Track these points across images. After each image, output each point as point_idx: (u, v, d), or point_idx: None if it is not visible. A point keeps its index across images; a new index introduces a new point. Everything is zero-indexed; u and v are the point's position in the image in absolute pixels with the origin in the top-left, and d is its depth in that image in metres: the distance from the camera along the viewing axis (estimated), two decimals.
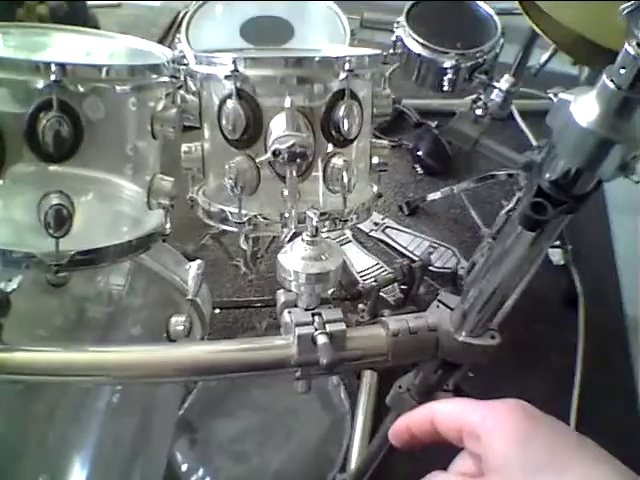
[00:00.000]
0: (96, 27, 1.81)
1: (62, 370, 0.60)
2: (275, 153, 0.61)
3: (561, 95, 0.40)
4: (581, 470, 0.31)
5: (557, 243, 1.56)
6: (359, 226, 1.67)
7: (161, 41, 1.98)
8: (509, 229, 0.53)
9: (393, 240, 1.66)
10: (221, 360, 0.61)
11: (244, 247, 1.28)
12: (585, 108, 0.37)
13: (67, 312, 0.95)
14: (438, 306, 0.65)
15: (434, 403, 0.40)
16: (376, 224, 1.69)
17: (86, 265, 0.67)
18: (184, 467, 1.22)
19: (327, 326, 0.59)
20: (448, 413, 0.39)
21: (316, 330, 0.58)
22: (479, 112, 1.21)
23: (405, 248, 1.65)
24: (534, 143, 1.90)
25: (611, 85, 0.35)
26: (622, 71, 0.34)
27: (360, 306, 1.38)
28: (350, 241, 1.64)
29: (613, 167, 0.38)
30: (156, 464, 1.07)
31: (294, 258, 0.60)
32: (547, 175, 0.43)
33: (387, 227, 1.70)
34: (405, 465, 1.19)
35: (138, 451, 1.01)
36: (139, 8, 2.39)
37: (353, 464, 1.22)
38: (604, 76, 0.35)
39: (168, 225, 0.75)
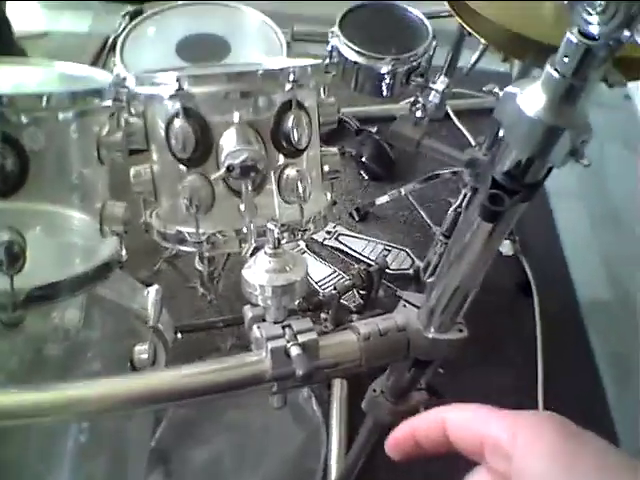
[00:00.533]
0: (24, 57, 1.75)
1: (21, 412, 0.57)
2: (229, 168, 0.61)
3: (507, 89, 0.41)
4: None
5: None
6: (312, 236, 1.68)
7: (93, 64, 1.93)
8: (465, 224, 0.54)
9: (347, 247, 1.67)
10: (194, 383, 0.59)
11: (200, 268, 1.27)
12: (532, 99, 0.39)
13: (22, 353, 0.91)
14: (405, 306, 0.66)
15: (445, 408, 0.35)
16: (329, 232, 1.70)
17: (43, 301, 0.65)
18: None
19: (299, 337, 0.58)
20: (465, 422, 0.33)
21: (288, 342, 0.58)
22: (419, 114, 1.23)
23: (360, 254, 1.66)
24: (471, 140, 1.95)
25: (555, 74, 0.36)
26: (565, 59, 0.35)
27: (322, 315, 1.38)
28: (305, 252, 1.64)
29: (563, 153, 0.39)
30: None
31: (258, 272, 0.60)
32: (500, 167, 0.45)
33: (340, 234, 1.71)
34: (385, 473, 1.20)
35: None
36: (66, 36, 2.33)
37: (333, 475, 1.22)
38: (547, 66, 0.37)
39: (124, 252, 0.73)
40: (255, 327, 0.62)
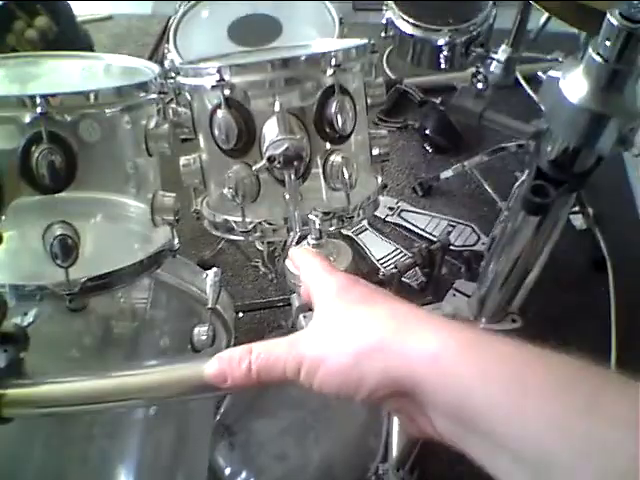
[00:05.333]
0: (89, 44, 1.80)
1: (90, 399, 0.59)
2: (270, 159, 0.60)
3: (549, 73, 0.38)
4: (389, 304, 0.37)
5: (576, 209, 1.52)
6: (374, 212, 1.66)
7: (156, 49, 1.97)
8: (514, 211, 0.51)
9: (410, 223, 1.64)
10: None
11: (260, 248, 1.28)
12: (575, 84, 0.36)
13: (94, 331, 0.96)
14: (455, 295, 0.64)
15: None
16: (391, 209, 1.67)
17: (100, 290, 0.67)
18: (227, 471, 1.23)
19: None
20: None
21: None
22: (480, 86, 1.18)
23: (423, 230, 1.63)
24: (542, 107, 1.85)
25: (598, 59, 0.33)
26: (607, 43, 0.32)
27: None
28: (366, 229, 1.62)
29: (611, 142, 0.36)
30: (198, 469, 1.08)
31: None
32: (545, 155, 0.42)
33: (402, 210, 1.68)
34: (445, 450, 1.18)
35: (179, 459, 1.02)
36: (130, 18, 2.38)
37: (394, 453, 1.22)
38: (590, 50, 0.34)
39: (176, 240, 0.74)
40: (301, 317, 0.62)
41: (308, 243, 0.59)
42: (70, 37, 1.68)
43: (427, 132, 1.83)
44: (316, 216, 0.57)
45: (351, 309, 0.37)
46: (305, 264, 0.45)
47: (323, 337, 0.37)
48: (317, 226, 0.57)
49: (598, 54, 0.33)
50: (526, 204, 0.43)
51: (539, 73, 1.81)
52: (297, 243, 0.67)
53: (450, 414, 0.32)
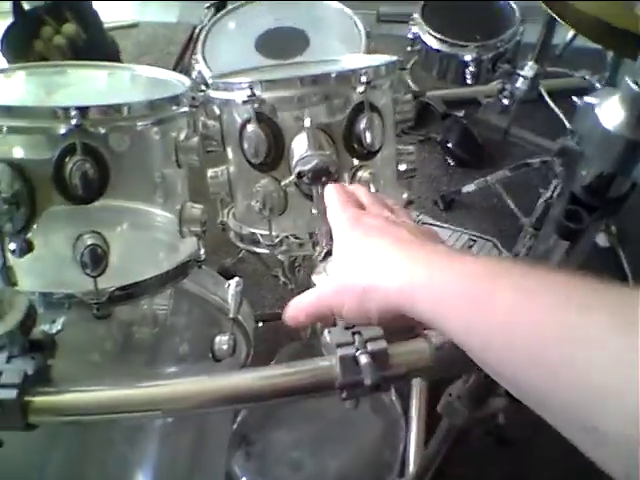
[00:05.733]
0: (116, 51, 1.82)
1: (112, 408, 0.60)
2: (299, 175, 0.61)
3: (585, 99, 0.38)
4: (380, 246, 0.43)
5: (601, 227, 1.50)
6: None
7: (181, 58, 1.99)
8: (545, 234, 0.51)
9: None
10: (266, 386, 0.60)
11: (281, 258, 1.29)
12: (610, 111, 0.36)
13: (115, 336, 0.97)
14: None
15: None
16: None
17: (126, 300, 0.68)
18: None
19: (368, 345, 0.58)
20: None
21: (357, 350, 0.58)
22: (506, 102, 1.17)
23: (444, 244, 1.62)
24: (567, 123, 1.84)
25: (635, 87, 0.33)
26: None
27: None
28: None
29: None
30: (215, 477, 1.08)
31: (328, 278, 0.60)
32: (579, 181, 0.42)
33: (424, 224, 1.68)
34: (461, 468, 1.18)
35: (196, 465, 1.02)
36: (155, 26, 2.41)
37: (411, 468, 1.21)
38: (627, 78, 0.34)
39: (202, 251, 0.75)
40: (326, 332, 0.62)
41: None
42: (98, 44, 1.70)
43: (449, 145, 1.83)
44: None
45: (353, 249, 0.44)
46: (329, 202, 0.50)
47: (337, 279, 0.46)
48: None
49: (635, 83, 0.33)
50: (560, 229, 0.43)
51: (564, 89, 1.80)
52: (323, 259, 0.67)
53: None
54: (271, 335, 1.45)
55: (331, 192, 0.51)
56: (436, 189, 1.79)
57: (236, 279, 0.89)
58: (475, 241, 1.62)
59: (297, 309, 0.51)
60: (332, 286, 0.47)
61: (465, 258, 0.38)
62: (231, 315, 0.85)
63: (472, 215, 1.73)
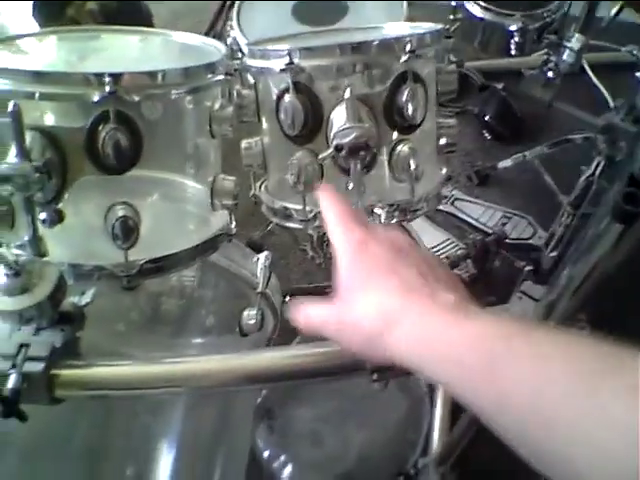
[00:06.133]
0: (149, 17, 1.79)
1: (137, 384, 0.60)
2: (338, 147, 0.58)
3: (638, 74, 0.35)
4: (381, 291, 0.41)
5: None
6: None
7: (213, 25, 1.95)
8: (598, 217, 0.48)
9: (463, 213, 1.60)
10: (294, 366, 0.59)
11: (310, 231, 1.27)
12: None
13: (142, 307, 0.97)
14: (521, 298, 0.61)
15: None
16: (444, 197, 1.63)
17: (156, 273, 0.67)
18: (265, 454, 1.24)
19: None
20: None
21: None
22: (550, 74, 1.12)
23: (477, 220, 1.58)
24: (608, 97, 1.76)
25: None
26: None
27: None
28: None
29: None
30: (239, 449, 1.09)
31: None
32: (639, 162, 0.38)
33: (456, 199, 1.64)
34: (486, 451, 1.16)
35: (220, 439, 1.03)
36: None
37: (434, 447, 1.20)
38: None
39: (233, 224, 0.73)
40: None
41: None
42: (130, 9, 1.67)
43: (486, 118, 1.77)
44: (382, 209, 0.55)
45: (358, 288, 0.42)
46: (328, 211, 0.47)
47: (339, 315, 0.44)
48: (382, 220, 0.55)
49: None
50: (616, 212, 0.40)
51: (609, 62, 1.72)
52: None
53: None
54: None
55: (330, 203, 0.48)
56: (471, 164, 1.74)
57: (265, 253, 0.87)
58: (510, 218, 1.58)
59: (306, 320, 0.48)
60: (334, 320, 0.44)
61: (471, 320, 0.36)
62: (259, 289, 0.84)
63: (507, 192, 1.68)
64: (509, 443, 0.33)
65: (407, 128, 0.64)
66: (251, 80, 0.68)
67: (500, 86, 1.80)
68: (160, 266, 0.65)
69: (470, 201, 1.64)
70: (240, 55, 0.69)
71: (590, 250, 0.51)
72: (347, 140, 0.58)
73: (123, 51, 0.79)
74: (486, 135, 1.80)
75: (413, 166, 0.63)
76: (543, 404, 0.30)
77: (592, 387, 0.28)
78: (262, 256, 0.87)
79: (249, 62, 0.67)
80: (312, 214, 0.67)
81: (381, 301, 0.40)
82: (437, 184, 0.72)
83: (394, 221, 0.68)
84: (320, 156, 0.60)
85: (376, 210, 0.55)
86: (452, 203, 1.62)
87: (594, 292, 0.56)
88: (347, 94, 0.59)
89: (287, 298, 1.41)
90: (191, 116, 0.67)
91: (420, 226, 1.56)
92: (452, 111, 1.81)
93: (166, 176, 0.72)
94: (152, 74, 0.59)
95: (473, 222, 1.58)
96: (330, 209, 0.47)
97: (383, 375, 0.57)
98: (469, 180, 1.70)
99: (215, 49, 0.71)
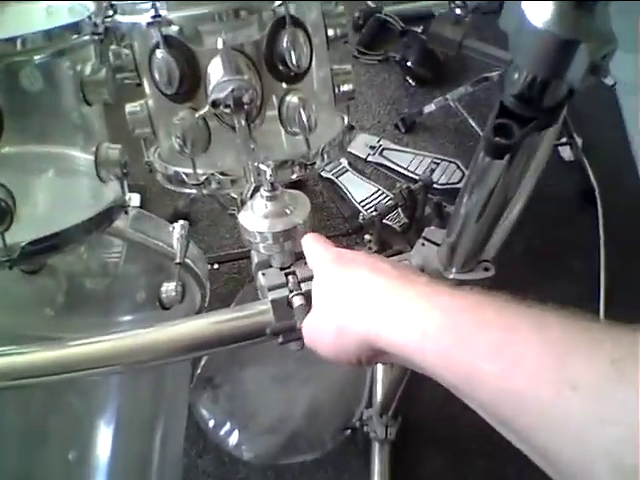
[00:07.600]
0: None
1: (58, 368, 0.56)
2: (215, 103, 0.54)
3: None
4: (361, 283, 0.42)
5: (564, 140, 1.46)
6: (355, 152, 1.60)
7: None
8: (478, 152, 0.46)
9: (392, 162, 1.59)
10: (194, 337, 0.57)
11: (234, 195, 1.23)
12: (538, 5, 0.30)
13: (65, 289, 0.93)
14: (424, 244, 0.59)
15: None
16: (372, 147, 1.61)
17: (48, 252, 0.63)
18: (211, 423, 1.23)
19: (302, 285, 0.54)
20: None
21: (291, 292, 0.54)
22: (458, 12, 1.09)
23: (406, 169, 1.57)
24: None
25: None
26: None
27: (366, 237, 1.33)
28: (347, 170, 1.56)
29: (582, 71, 0.31)
30: (177, 421, 1.08)
31: (256, 218, 0.55)
32: (510, 89, 0.36)
33: (384, 149, 1.62)
34: (428, 395, 1.17)
35: (157, 410, 1.02)
36: None
37: (379, 399, 1.21)
38: None
39: (128, 196, 0.69)
40: (260, 274, 0.58)
41: (261, 195, 0.54)
42: None
43: (409, 64, 1.74)
44: (267, 166, 0.52)
45: (333, 288, 0.44)
46: (308, 248, 0.51)
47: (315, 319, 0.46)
48: (268, 177, 0.52)
49: None
50: (487, 146, 0.38)
51: None
52: (251, 195, 0.62)
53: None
54: (233, 275, 1.41)
55: (310, 239, 0.51)
56: (397, 111, 1.72)
57: (181, 222, 0.83)
58: (438, 164, 1.57)
59: None
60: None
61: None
62: (177, 260, 0.81)
63: (435, 137, 1.67)
64: (486, 420, 0.33)
65: (294, 77, 0.60)
66: (126, 39, 0.63)
67: (420, 29, 1.77)
68: (52, 244, 0.61)
69: (399, 150, 1.62)
70: (111, 13, 0.64)
71: (479, 187, 0.50)
72: (224, 94, 0.54)
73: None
74: (410, 81, 1.77)
75: (304, 117, 0.60)
76: (514, 376, 0.29)
77: (562, 358, 0.28)
78: (177, 226, 0.83)
79: (119, 19, 0.62)
80: (204, 177, 0.63)
81: (356, 284, 0.42)
82: (338, 134, 0.69)
83: (294, 176, 0.65)
84: (197, 114, 0.56)
85: (261, 166, 0.51)
86: (381, 153, 1.61)
87: (491, 230, 0.55)
88: (220, 44, 0.54)
89: (216, 266, 1.38)
90: (64, 83, 0.62)
91: (350, 180, 1.54)
92: (374, 58, 1.78)
93: (53, 150, 0.68)
94: (12, 40, 0.54)
95: (403, 171, 1.57)
96: (310, 243, 0.51)
97: (287, 337, 0.55)
98: (396, 128, 1.68)
99: (84, 8, 0.65)
